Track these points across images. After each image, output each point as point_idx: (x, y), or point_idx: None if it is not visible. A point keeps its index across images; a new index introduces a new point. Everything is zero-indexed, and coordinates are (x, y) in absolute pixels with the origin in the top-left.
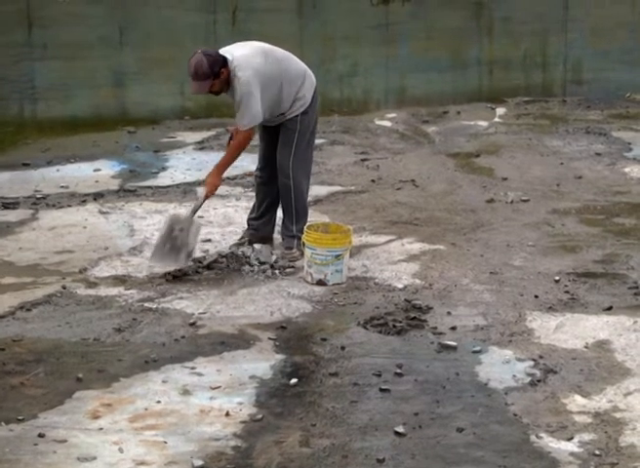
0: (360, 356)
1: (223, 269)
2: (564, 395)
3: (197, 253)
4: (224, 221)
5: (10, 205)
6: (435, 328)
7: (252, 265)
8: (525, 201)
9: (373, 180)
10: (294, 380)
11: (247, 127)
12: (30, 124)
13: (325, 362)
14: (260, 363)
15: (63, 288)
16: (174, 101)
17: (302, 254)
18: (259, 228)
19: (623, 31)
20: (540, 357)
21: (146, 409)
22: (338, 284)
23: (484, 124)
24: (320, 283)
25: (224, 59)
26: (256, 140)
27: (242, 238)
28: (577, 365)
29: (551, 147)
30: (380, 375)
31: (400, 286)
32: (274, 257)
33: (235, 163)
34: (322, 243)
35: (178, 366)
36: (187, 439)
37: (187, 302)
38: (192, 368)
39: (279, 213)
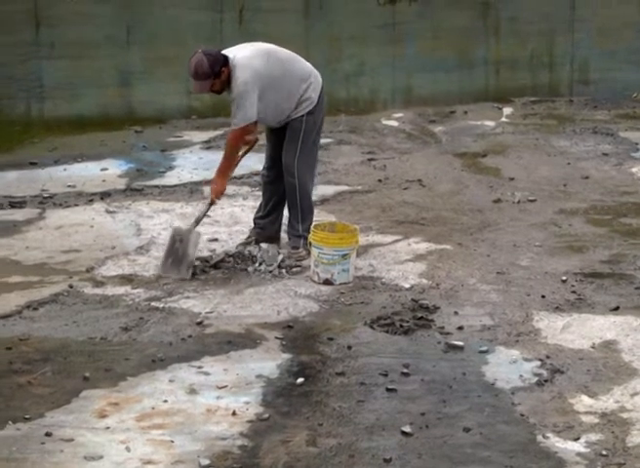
0: (367, 355)
1: (230, 268)
2: (571, 395)
3: (204, 253)
4: (231, 221)
5: (17, 204)
6: (442, 327)
7: (259, 265)
8: (532, 201)
9: (379, 180)
10: (300, 380)
11: (237, 126)
12: (37, 123)
13: (332, 361)
14: (267, 362)
15: (70, 287)
16: (180, 101)
17: (309, 254)
18: (265, 227)
19: (630, 31)
20: (547, 357)
21: (153, 409)
22: (344, 283)
23: (491, 124)
24: (327, 282)
25: (225, 59)
26: (263, 140)
27: (249, 237)
28: (583, 365)
29: (558, 147)
30: (386, 375)
31: (407, 285)
32: (281, 257)
33: (242, 162)
34: (329, 242)
35: (184, 365)
36: (194, 438)
37: (194, 301)
38: (199, 367)
39: (285, 212)
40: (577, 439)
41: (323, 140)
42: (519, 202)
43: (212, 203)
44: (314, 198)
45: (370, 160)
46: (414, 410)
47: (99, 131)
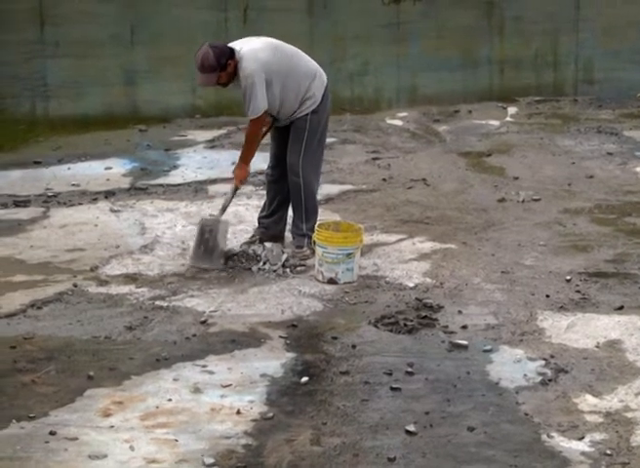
0: (371, 354)
1: (235, 267)
2: (575, 394)
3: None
4: (235, 220)
5: (21, 203)
6: (446, 326)
7: (263, 264)
8: (536, 200)
9: (384, 179)
10: (304, 379)
11: (253, 116)
12: (42, 122)
13: (336, 360)
14: (271, 361)
15: (74, 286)
16: (185, 100)
17: (313, 253)
18: (269, 226)
19: (635, 31)
20: (552, 356)
21: (157, 407)
22: (349, 282)
23: (495, 123)
24: (331, 281)
25: (232, 51)
26: (267, 139)
27: (253, 236)
28: (588, 364)
29: (563, 147)
30: (390, 374)
31: (411, 284)
32: (285, 256)
33: None
34: (333, 241)
35: (189, 364)
36: (198, 437)
37: (198, 300)
38: (203, 366)
39: (290, 212)
40: (581, 438)
41: (328, 140)
42: (523, 201)
43: (236, 189)
44: (319, 197)
45: (374, 159)
46: (418, 409)
47: (103, 130)
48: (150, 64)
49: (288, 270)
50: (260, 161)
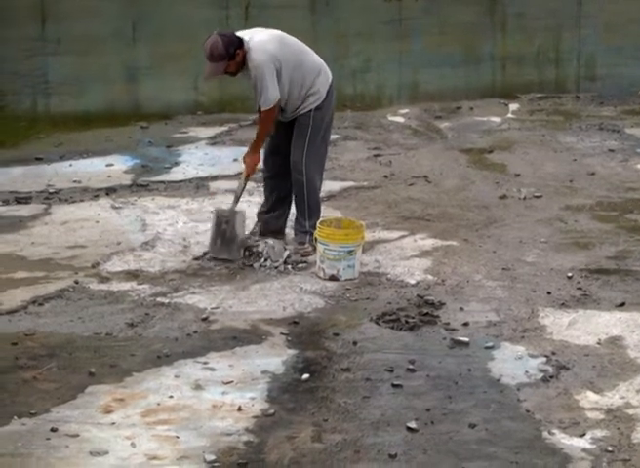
0: (372, 351)
1: (236, 264)
2: (576, 391)
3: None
4: None
5: (23, 199)
6: (447, 323)
7: (264, 261)
8: (538, 197)
9: (385, 176)
10: (306, 376)
11: (266, 107)
12: (43, 118)
13: (337, 357)
14: (273, 358)
15: (76, 282)
16: (186, 96)
17: (315, 250)
18: (269, 222)
19: (637, 27)
20: (553, 353)
21: (159, 404)
22: (350, 279)
23: (497, 120)
24: (332, 278)
25: (240, 41)
26: None
27: (253, 231)
28: (589, 361)
29: (564, 143)
30: (392, 371)
31: (412, 281)
32: (287, 253)
33: None
34: (335, 238)
35: (190, 361)
36: (199, 434)
37: (200, 297)
38: (205, 363)
39: (293, 208)
40: (582, 435)
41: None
42: (525, 198)
43: (247, 177)
44: (321, 194)
45: (376, 156)
46: (419, 406)
47: (104, 126)
48: (152, 61)
49: (289, 267)
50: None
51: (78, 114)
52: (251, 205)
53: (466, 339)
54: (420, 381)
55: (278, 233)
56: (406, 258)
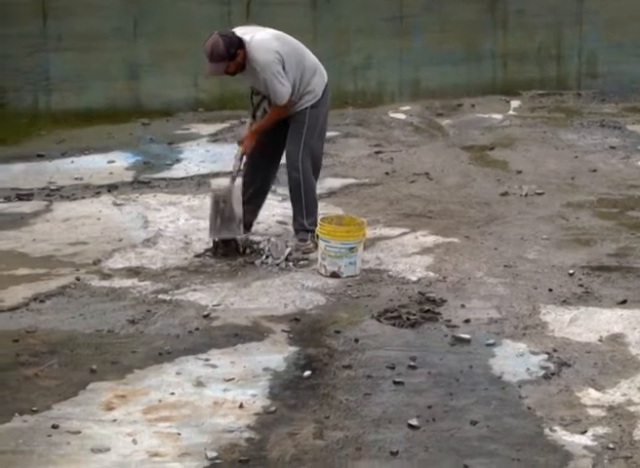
0: (374, 348)
1: (237, 261)
2: (578, 388)
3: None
4: None
5: (24, 196)
6: (449, 320)
7: (266, 257)
8: (539, 194)
9: (387, 173)
10: (307, 373)
11: (280, 103)
12: (45, 115)
13: (338, 354)
14: (274, 355)
15: (77, 279)
16: (188, 93)
17: (316, 247)
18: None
19: (638, 24)
20: (554, 350)
21: (160, 401)
22: (351, 276)
23: (498, 117)
24: (334, 275)
25: (240, 41)
26: None
27: None
28: (591, 358)
29: (566, 140)
30: (393, 368)
31: (414, 278)
32: (288, 250)
33: (232, 153)
34: (336, 235)
35: (191, 357)
36: (201, 430)
37: (201, 294)
38: (206, 359)
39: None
40: (584, 432)
41: (330, 133)
42: (526, 195)
43: (242, 155)
44: (322, 191)
45: (377, 153)
46: (420, 403)
47: (106, 123)
48: (153, 58)
49: (291, 264)
50: None
51: (79, 111)
52: None
53: (468, 336)
54: (422, 378)
55: (248, 226)
56: (407, 255)
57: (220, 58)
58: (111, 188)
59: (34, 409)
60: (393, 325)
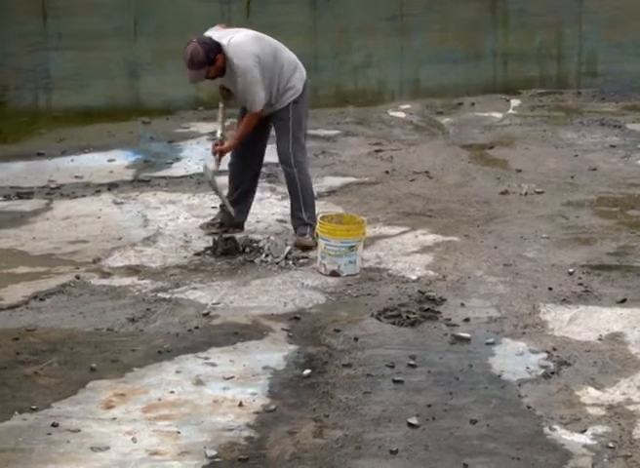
0: (373, 347)
1: (237, 260)
2: (577, 387)
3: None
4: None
5: (24, 195)
6: (449, 319)
7: (265, 256)
8: (539, 193)
9: (387, 172)
10: (307, 371)
11: (254, 111)
12: (45, 114)
13: (338, 353)
14: (274, 353)
15: (77, 278)
16: (187, 92)
17: (316, 244)
18: (231, 215)
19: (638, 23)
20: (554, 349)
21: (160, 400)
22: (351, 275)
23: (498, 115)
24: (333, 274)
25: (219, 45)
26: None
27: (214, 219)
28: (590, 357)
29: (566, 139)
30: (393, 367)
31: (414, 277)
32: (288, 248)
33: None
34: (336, 234)
35: (191, 356)
36: (200, 429)
37: (201, 293)
38: (206, 358)
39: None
40: (583, 431)
41: (330, 132)
42: (526, 194)
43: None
44: (322, 190)
45: (377, 151)
46: (420, 402)
47: (106, 122)
48: (153, 56)
49: (290, 263)
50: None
51: (80, 109)
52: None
53: (467, 335)
54: (422, 377)
55: (239, 226)
56: (407, 254)
57: (199, 64)
58: (111, 187)
59: (34, 407)
60: (393, 323)
